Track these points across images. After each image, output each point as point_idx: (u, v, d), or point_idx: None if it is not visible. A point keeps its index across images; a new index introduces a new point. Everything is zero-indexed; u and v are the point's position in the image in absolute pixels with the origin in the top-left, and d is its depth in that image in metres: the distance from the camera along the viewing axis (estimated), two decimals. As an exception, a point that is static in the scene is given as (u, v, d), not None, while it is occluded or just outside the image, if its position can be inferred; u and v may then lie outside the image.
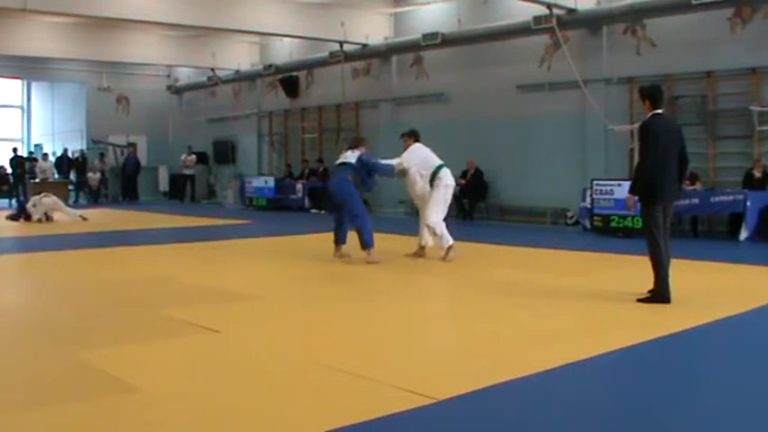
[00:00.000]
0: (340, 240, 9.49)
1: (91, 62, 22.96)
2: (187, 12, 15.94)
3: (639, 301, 6.35)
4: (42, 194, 16.06)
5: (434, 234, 9.07)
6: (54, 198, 15.95)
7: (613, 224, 12.05)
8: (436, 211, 9.06)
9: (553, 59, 14.73)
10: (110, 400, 3.85)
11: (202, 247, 11.42)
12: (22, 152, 26.27)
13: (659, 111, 6.39)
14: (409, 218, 15.75)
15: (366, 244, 8.98)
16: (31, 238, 12.60)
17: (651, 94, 6.41)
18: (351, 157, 9.30)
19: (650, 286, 6.38)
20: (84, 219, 15.63)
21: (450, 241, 9.05)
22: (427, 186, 9.23)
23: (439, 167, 9.23)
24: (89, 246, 11.36)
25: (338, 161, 9.54)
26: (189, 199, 23.67)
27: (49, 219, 15.47)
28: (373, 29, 17.95)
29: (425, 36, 16.32)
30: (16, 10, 15.02)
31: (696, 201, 11.45)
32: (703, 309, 6.11)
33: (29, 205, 15.65)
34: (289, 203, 19.25)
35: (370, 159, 9.42)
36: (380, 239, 10.30)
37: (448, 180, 9.26)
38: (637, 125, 12.36)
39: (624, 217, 11.79)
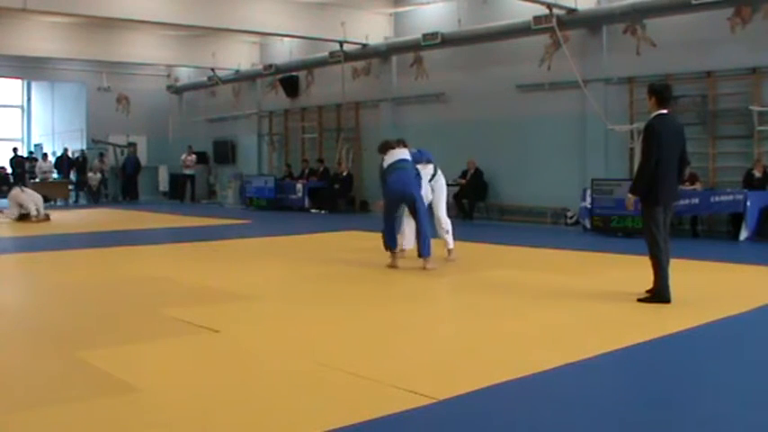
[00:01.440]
0: (394, 245, 8.76)
1: (91, 62, 22.96)
2: (187, 12, 15.94)
3: (639, 301, 6.35)
4: (18, 189, 16.05)
5: (447, 232, 9.15)
6: (28, 192, 15.94)
7: (613, 224, 12.05)
8: (445, 211, 9.26)
9: (553, 59, 14.73)
10: (110, 400, 3.85)
11: (202, 247, 11.42)
12: (22, 152, 26.30)
13: (665, 111, 6.38)
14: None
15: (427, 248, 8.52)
16: (30, 238, 12.59)
17: (658, 91, 6.40)
18: (404, 153, 8.73)
19: (650, 286, 6.38)
20: (40, 219, 15.57)
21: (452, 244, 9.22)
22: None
23: (436, 167, 9.35)
24: (89, 246, 11.36)
25: (391, 161, 8.63)
26: (189, 199, 23.67)
27: (41, 217, 15.50)
28: (373, 29, 17.94)
29: (425, 36, 16.31)
30: (16, 10, 15.02)
31: (696, 201, 11.45)
32: (703, 309, 6.12)
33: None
34: (289, 203, 19.24)
35: (418, 152, 9.07)
36: (380, 239, 10.28)
37: (443, 179, 9.51)
38: (637, 125, 12.48)
39: (624, 217, 11.79)
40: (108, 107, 25.32)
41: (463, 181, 15.52)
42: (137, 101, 25.90)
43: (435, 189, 9.28)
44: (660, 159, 6.23)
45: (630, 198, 6.44)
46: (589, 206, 12.61)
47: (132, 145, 24.93)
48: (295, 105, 21.29)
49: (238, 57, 22.07)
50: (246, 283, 7.64)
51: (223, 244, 11.76)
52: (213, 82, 23.05)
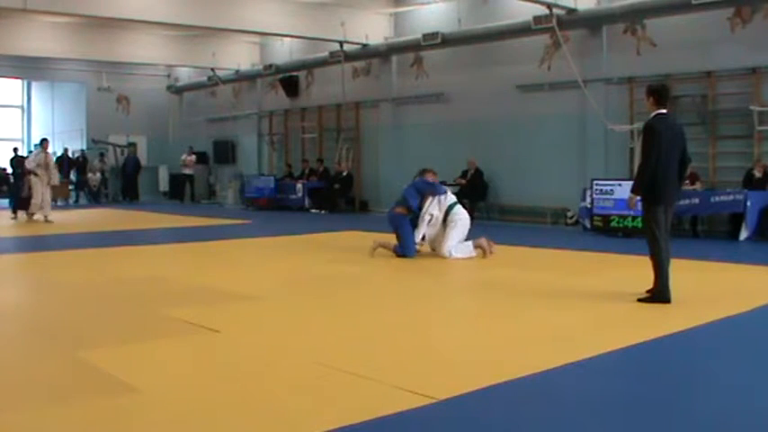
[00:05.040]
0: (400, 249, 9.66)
1: (91, 62, 22.97)
2: (187, 12, 15.94)
3: (639, 301, 6.35)
4: None
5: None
6: None
7: (613, 224, 12.06)
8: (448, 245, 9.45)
9: (553, 59, 14.73)
10: (110, 400, 3.85)
11: (203, 247, 11.42)
12: (23, 152, 26.26)
13: (664, 111, 6.39)
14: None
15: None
16: (30, 238, 12.59)
17: (657, 91, 6.41)
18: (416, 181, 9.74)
19: (650, 286, 6.38)
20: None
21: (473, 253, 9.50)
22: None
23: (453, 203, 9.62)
24: (89, 246, 11.35)
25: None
26: (189, 199, 23.67)
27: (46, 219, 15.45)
28: (373, 29, 17.94)
29: (425, 36, 16.32)
30: (16, 10, 15.02)
31: (696, 201, 11.45)
32: (703, 309, 6.11)
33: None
34: (289, 203, 19.25)
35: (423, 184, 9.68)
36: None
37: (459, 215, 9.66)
38: (637, 125, 12.48)
39: (624, 217, 11.79)
40: (108, 107, 25.32)
41: (463, 181, 15.51)
42: (137, 101, 25.89)
43: (450, 222, 9.44)
44: (660, 159, 6.23)
45: (633, 197, 6.45)
46: (589, 206, 12.61)
47: (132, 145, 24.93)
48: (295, 105, 21.29)
49: (238, 57, 22.07)
50: (246, 283, 7.64)
51: (223, 244, 11.76)
52: (213, 82, 23.06)
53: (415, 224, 9.50)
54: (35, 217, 15.30)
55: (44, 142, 15.93)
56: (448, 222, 9.43)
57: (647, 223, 6.41)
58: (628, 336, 5.15)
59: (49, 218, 15.35)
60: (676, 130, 6.45)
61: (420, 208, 9.47)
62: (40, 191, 15.28)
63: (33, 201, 15.26)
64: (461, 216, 9.54)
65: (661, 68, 12.91)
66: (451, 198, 9.70)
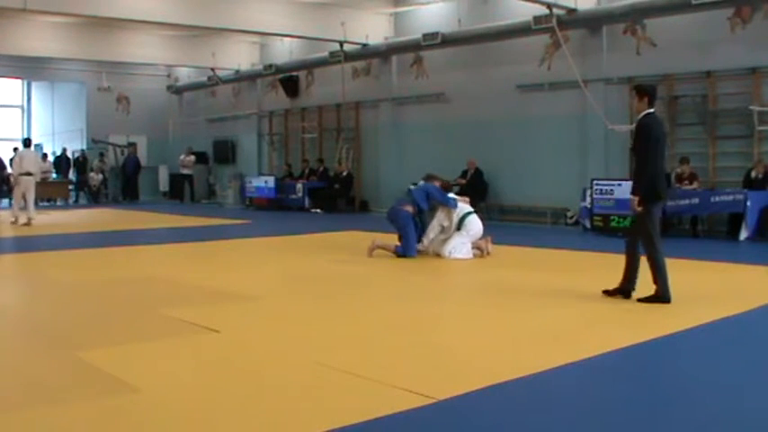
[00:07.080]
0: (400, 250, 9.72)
1: (91, 62, 22.97)
2: (187, 12, 15.95)
3: (639, 300, 6.35)
4: None
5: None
6: None
7: (613, 224, 12.05)
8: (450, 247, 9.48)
9: (553, 59, 14.73)
10: (110, 400, 3.85)
11: (202, 247, 11.42)
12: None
13: (652, 110, 6.50)
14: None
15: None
16: (30, 238, 12.59)
17: (651, 92, 6.55)
18: (424, 187, 9.82)
19: (650, 286, 6.38)
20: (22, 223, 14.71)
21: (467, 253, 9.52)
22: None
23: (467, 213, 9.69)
24: (89, 246, 11.36)
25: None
26: (189, 199, 23.67)
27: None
28: (373, 29, 17.95)
29: (425, 36, 16.31)
30: (16, 10, 15.02)
31: (696, 201, 11.44)
32: (703, 309, 6.12)
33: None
34: (289, 203, 19.25)
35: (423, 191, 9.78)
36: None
37: (472, 224, 9.68)
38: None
39: (624, 217, 11.77)
40: (108, 107, 25.33)
41: (463, 181, 15.50)
42: (137, 101, 25.90)
43: (462, 230, 9.50)
44: (657, 158, 6.34)
45: (634, 200, 6.44)
46: (589, 206, 12.61)
47: (132, 145, 24.93)
48: (295, 105, 21.29)
49: (238, 57, 22.08)
50: (246, 283, 7.64)
51: (223, 244, 11.76)
52: (213, 82, 23.05)
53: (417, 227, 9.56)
54: (21, 220, 14.70)
55: (29, 142, 15.87)
56: (460, 230, 9.50)
57: (644, 224, 6.41)
58: (628, 336, 5.16)
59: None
60: (663, 128, 6.66)
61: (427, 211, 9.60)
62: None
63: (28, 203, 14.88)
64: (474, 227, 9.58)
65: (661, 68, 12.91)
66: (466, 208, 9.72)
